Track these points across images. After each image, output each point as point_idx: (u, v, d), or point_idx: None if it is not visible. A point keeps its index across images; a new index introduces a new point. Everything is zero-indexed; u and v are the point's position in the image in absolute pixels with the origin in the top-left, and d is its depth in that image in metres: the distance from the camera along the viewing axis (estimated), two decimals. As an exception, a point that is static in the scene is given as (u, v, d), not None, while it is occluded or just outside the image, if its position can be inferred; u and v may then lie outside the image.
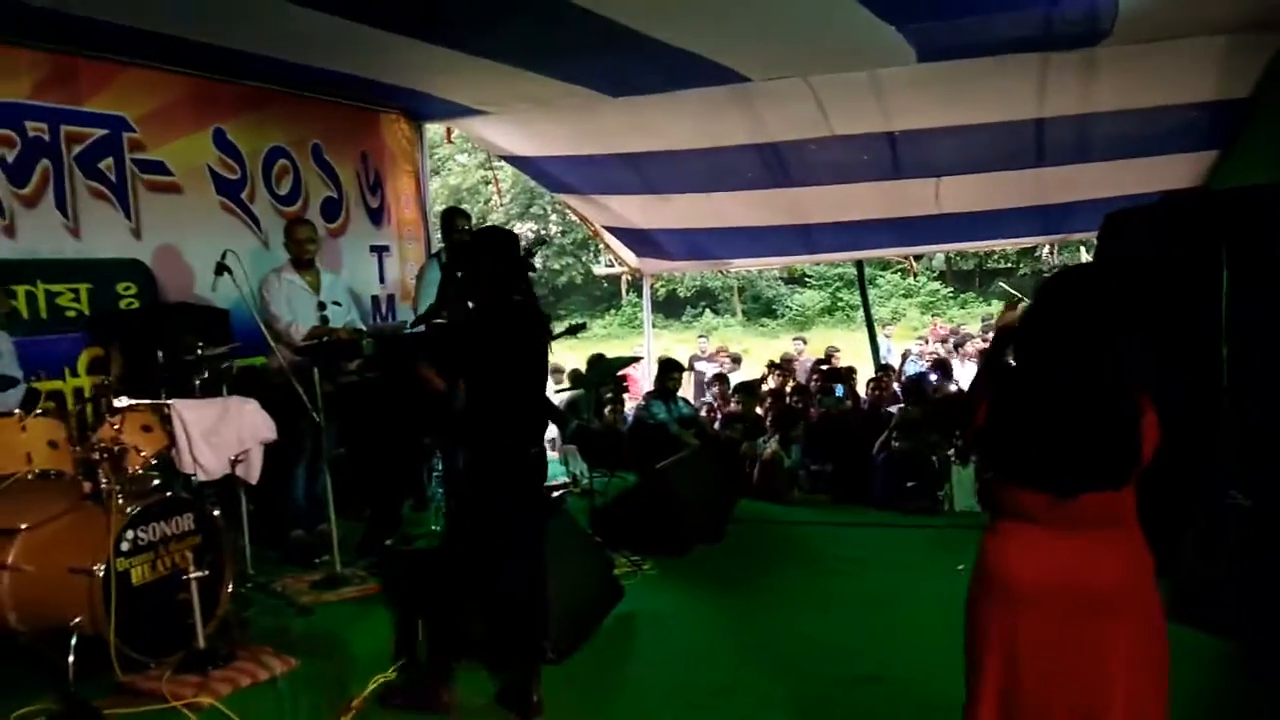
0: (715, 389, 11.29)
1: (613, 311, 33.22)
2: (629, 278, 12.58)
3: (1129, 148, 8.06)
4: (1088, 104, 7.46)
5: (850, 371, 11.23)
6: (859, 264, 13.55)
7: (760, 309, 34.68)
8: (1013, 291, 26.22)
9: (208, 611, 4.31)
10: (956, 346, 14.89)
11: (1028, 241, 15.26)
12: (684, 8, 5.64)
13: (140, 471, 4.49)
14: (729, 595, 5.87)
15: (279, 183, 7.18)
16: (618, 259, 12.20)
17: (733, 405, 10.18)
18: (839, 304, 32.53)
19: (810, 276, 33.41)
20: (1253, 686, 4.17)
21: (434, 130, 10.01)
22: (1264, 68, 6.71)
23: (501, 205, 30.46)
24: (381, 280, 8.26)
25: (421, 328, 5.85)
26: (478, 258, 4.34)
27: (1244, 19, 6.19)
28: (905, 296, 31.99)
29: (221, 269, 5.28)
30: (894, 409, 9.21)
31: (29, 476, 4.21)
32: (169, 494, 4.47)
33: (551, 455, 9.33)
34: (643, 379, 11.83)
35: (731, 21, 5.91)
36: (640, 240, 11.35)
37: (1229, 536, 4.44)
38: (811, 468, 8.72)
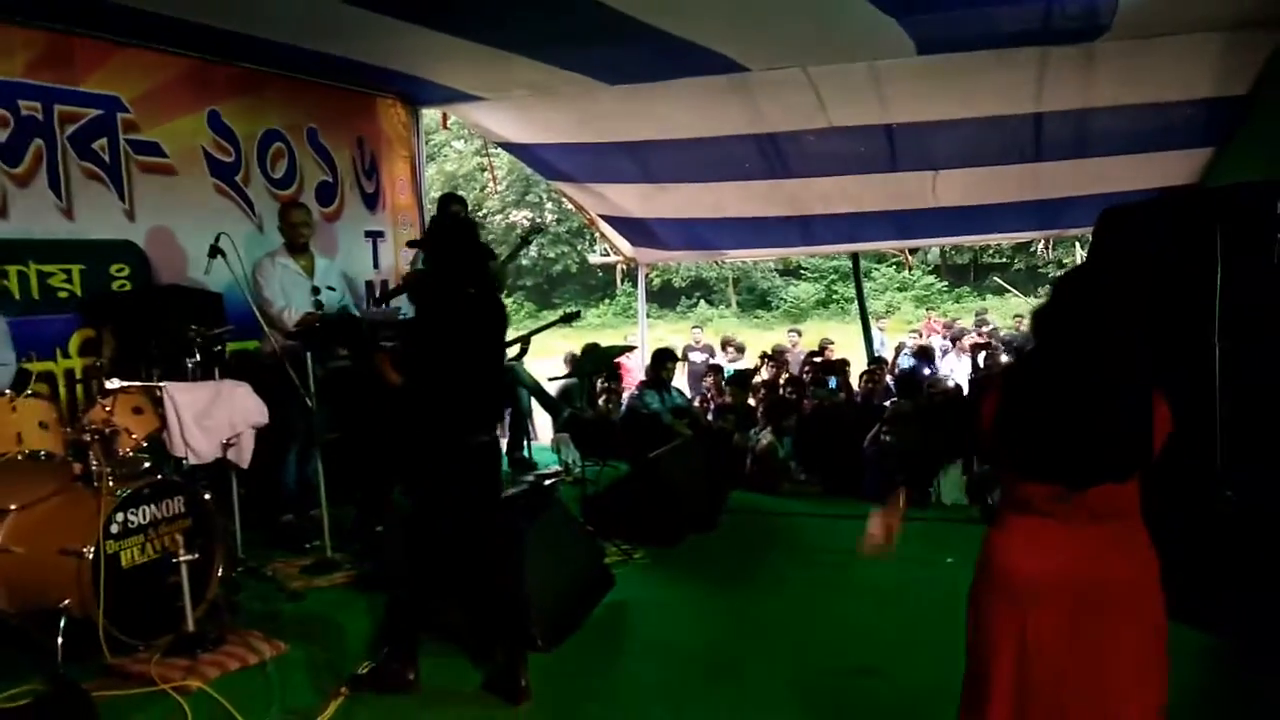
0: (709, 380, 11.29)
1: (607, 301, 33.23)
2: (624, 267, 12.56)
3: (1126, 143, 8.06)
4: (1086, 99, 7.46)
5: (843, 364, 11.24)
6: (854, 256, 13.54)
7: (755, 300, 34.71)
8: (1007, 286, 26.16)
9: (197, 595, 4.31)
10: (954, 340, 14.92)
11: (1024, 236, 15.27)
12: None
13: (131, 454, 4.48)
14: (720, 585, 5.88)
15: (274, 166, 7.14)
16: (613, 248, 12.18)
17: (726, 396, 10.19)
18: (834, 296, 32.60)
19: (805, 269, 33.48)
20: (1241, 682, 4.20)
21: (430, 116, 9.97)
22: (1262, 65, 6.71)
23: (497, 192, 30.42)
24: (376, 265, 8.22)
25: (383, 307, 5.78)
26: (432, 249, 4.37)
27: (1242, 16, 6.19)
28: (900, 290, 32.06)
29: (215, 252, 5.25)
30: (887, 402, 9.23)
31: (19, 457, 4.18)
32: (160, 477, 4.46)
33: (544, 444, 9.35)
34: (636, 369, 11.82)
35: (731, 10, 5.89)
36: (636, 229, 11.33)
37: (1220, 532, 4.46)
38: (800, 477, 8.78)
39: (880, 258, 29.04)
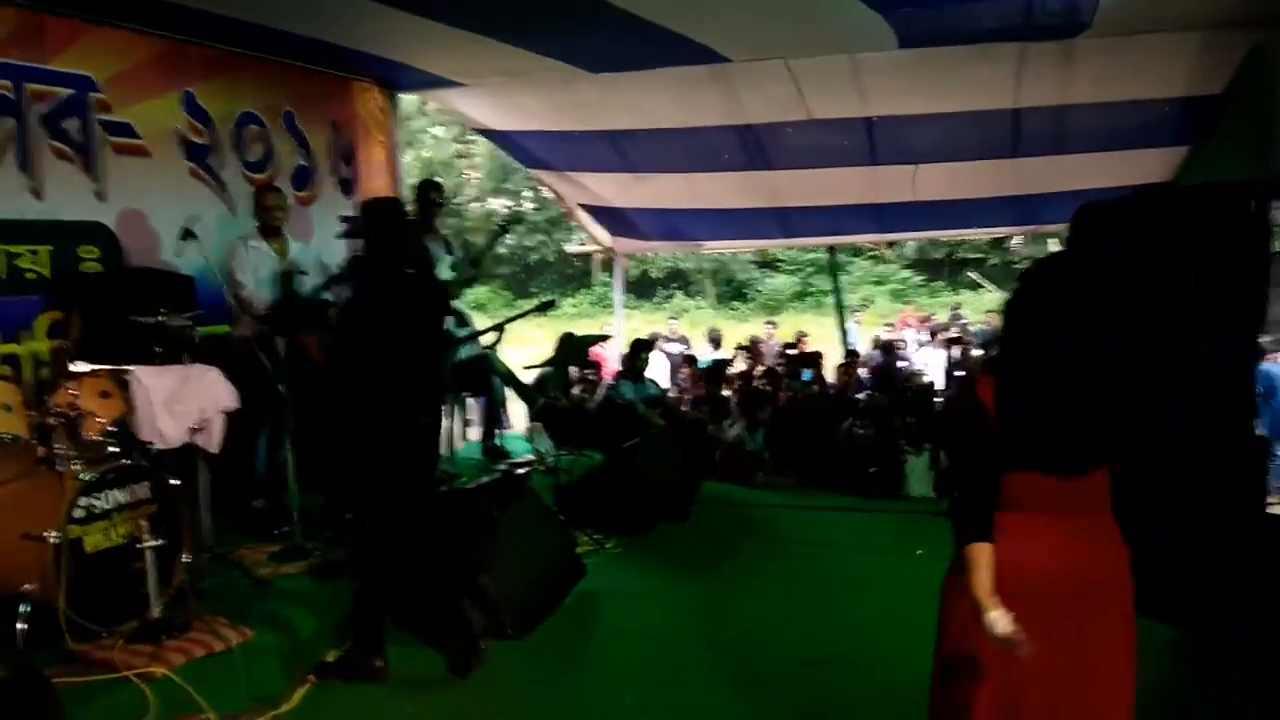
0: (685, 371, 11.29)
1: (584, 290, 33.12)
2: (601, 257, 12.51)
3: (1103, 140, 8.10)
4: (1064, 96, 7.49)
5: (818, 356, 11.26)
6: (831, 250, 13.56)
7: (732, 292, 34.68)
8: (980, 280, 26.21)
9: (163, 581, 4.26)
10: (933, 334, 15.03)
11: (1001, 231, 15.36)
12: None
13: (97, 438, 4.41)
14: (691, 575, 5.88)
15: (250, 149, 7.06)
16: (591, 237, 12.13)
17: (700, 387, 10.19)
18: (810, 289, 32.60)
19: (782, 261, 33.47)
20: (1200, 674, 4.24)
21: (409, 101, 9.90)
22: (1238, 64, 6.75)
23: (475, 180, 30.26)
24: (350, 250, 8.15)
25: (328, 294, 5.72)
26: (366, 231, 4.34)
27: (1219, 15, 6.23)
28: (876, 284, 32.10)
29: (187, 235, 5.20)
30: (861, 395, 9.26)
31: (-18, 440, 4.12)
32: (125, 461, 4.40)
33: (517, 432, 9.31)
34: (612, 359, 11.80)
35: (713, 0, 5.87)
36: (615, 219, 11.30)
37: (1180, 530, 4.49)
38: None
39: (857, 251, 29.07)
